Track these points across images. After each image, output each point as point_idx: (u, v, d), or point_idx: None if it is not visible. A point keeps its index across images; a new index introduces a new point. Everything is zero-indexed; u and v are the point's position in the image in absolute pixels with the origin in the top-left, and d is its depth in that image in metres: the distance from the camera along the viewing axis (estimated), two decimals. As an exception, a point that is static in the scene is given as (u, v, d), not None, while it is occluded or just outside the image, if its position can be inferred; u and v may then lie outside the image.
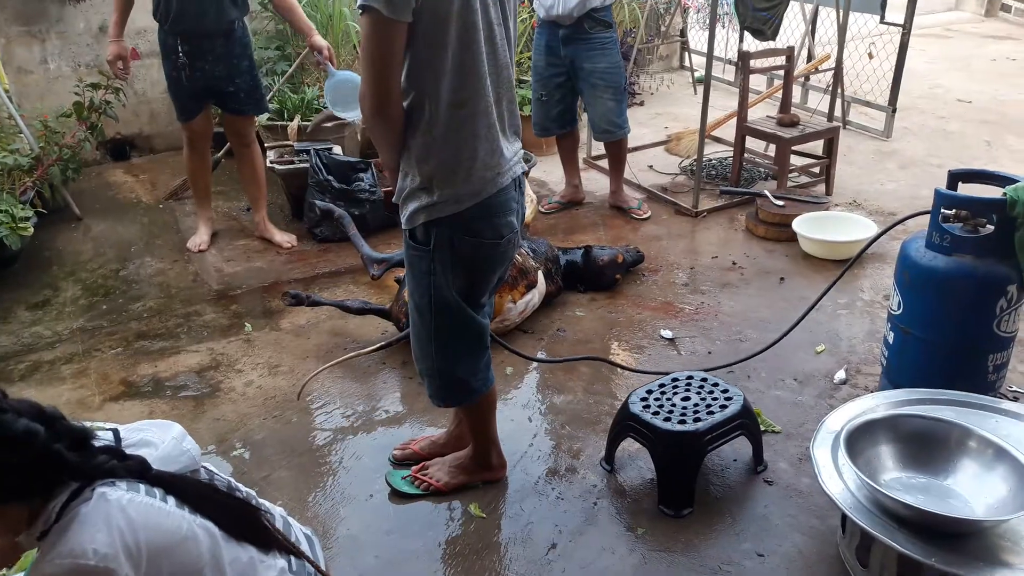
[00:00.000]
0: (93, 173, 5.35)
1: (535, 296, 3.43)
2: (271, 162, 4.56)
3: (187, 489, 1.48)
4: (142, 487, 1.42)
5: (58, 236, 4.45)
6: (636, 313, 3.55)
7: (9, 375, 3.20)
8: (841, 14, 5.20)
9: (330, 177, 4.28)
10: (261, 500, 1.68)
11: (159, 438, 1.54)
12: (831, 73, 5.30)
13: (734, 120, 4.89)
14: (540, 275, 3.47)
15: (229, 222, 4.56)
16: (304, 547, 1.71)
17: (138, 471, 1.43)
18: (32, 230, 3.99)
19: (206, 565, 1.44)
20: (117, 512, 1.35)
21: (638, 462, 2.63)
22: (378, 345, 3.18)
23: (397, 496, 2.51)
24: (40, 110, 4.90)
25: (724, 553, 2.28)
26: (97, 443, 1.44)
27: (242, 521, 1.55)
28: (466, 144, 1.95)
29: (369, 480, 2.59)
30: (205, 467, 1.60)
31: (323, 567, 1.70)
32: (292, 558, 1.63)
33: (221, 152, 4.85)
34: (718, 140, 5.29)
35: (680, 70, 7.44)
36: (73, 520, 1.32)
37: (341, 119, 4.83)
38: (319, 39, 3.92)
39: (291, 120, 4.83)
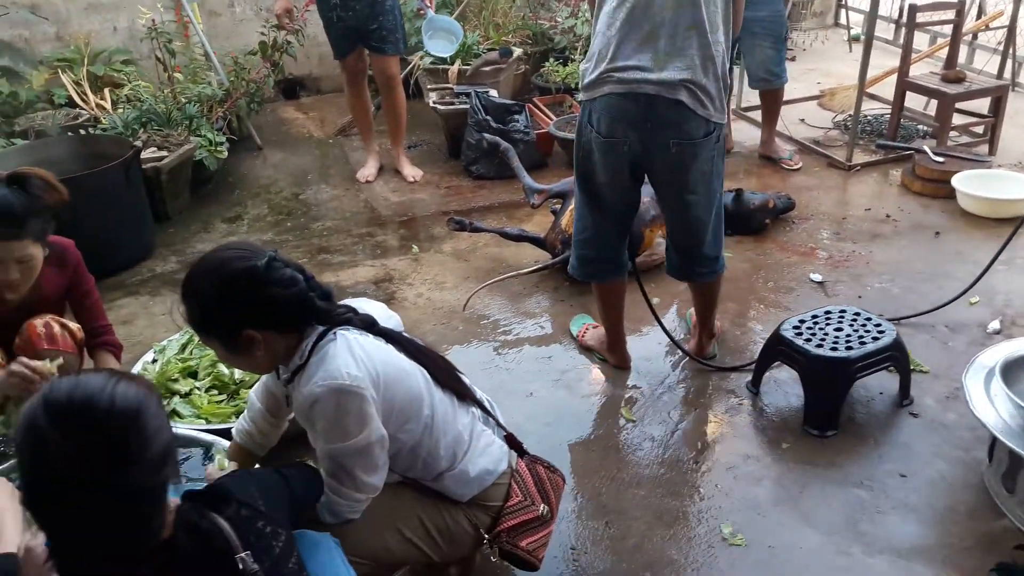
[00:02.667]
0: (268, 109, 5.81)
1: (684, 233, 3.57)
2: (433, 103, 4.85)
3: (404, 340, 1.75)
4: (370, 335, 1.70)
5: (242, 163, 4.91)
6: (784, 257, 3.63)
7: (212, 275, 3.63)
8: (1020, -33, 4.95)
9: (488, 117, 4.53)
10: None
11: (369, 308, 1.82)
12: (1002, 31, 5.07)
13: (892, 77, 4.79)
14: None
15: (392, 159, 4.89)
16: (487, 407, 1.96)
17: (367, 323, 1.71)
18: (226, 154, 4.45)
19: (423, 399, 1.71)
20: (358, 347, 1.63)
21: (783, 388, 2.76)
22: (536, 267, 3.41)
23: (558, 390, 2.80)
24: (227, 49, 5.38)
25: (866, 471, 2.39)
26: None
27: (445, 371, 1.81)
28: (593, 50, 2.41)
29: (528, 380, 2.85)
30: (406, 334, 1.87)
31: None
32: (479, 411, 1.89)
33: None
34: (874, 97, 5.18)
35: (835, 27, 7.24)
36: (325, 355, 1.60)
37: (499, 63, 5.08)
38: None
39: (452, 64, 5.10)
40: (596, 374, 2.90)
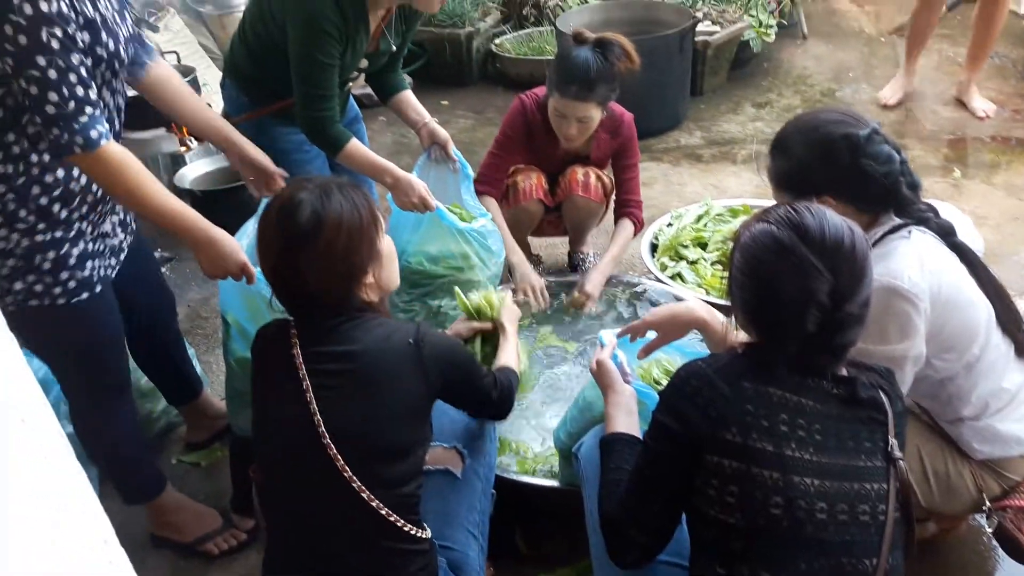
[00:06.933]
0: (820, -1, 5.51)
1: None
2: (1027, 8, 4.09)
3: (979, 265, 1.56)
4: (944, 246, 1.54)
5: (783, 50, 4.76)
6: None
7: (732, 157, 3.68)
8: None
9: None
10: None
11: (955, 219, 1.62)
12: None
13: None
14: None
15: (950, 67, 4.30)
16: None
17: (945, 231, 1.55)
18: (773, 38, 4.35)
19: (978, 337, 1.53)
20: (929, 256, 1.50)
21: None
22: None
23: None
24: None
25: None
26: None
27: (1014, 317, 1.58)
28: None
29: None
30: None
31: None
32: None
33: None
34: None
35: None
36: (892, 250, 1.50)
37: None
38: None
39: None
40: None
